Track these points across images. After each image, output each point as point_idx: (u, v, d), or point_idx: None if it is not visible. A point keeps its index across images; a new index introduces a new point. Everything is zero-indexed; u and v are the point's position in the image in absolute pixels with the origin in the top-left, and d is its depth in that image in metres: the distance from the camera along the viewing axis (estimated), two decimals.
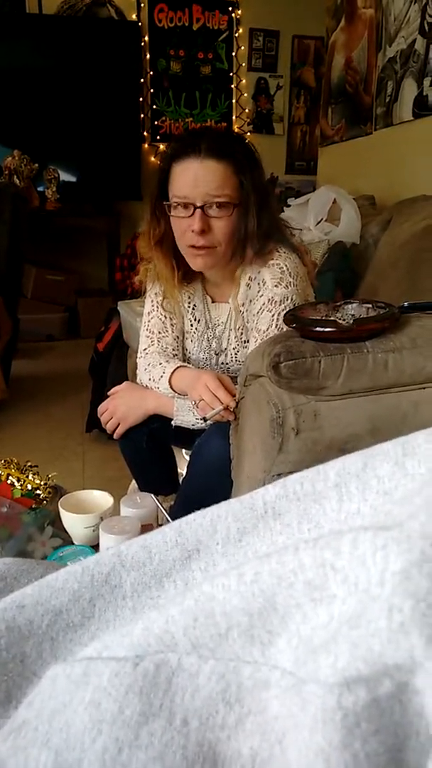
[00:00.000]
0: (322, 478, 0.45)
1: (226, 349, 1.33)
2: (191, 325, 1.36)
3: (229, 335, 1.31)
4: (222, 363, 1.35)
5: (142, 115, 4.18)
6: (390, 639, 0.30)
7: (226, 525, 0.46)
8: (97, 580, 0.45)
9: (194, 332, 1.36)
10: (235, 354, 1.32)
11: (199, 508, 0.53)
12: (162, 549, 0.46)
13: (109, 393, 1.35)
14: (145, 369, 1.31)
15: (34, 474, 1.17)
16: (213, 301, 1.33)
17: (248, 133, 4.40)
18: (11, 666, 0.41)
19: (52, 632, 0.43)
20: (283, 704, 0.32)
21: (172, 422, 1.25)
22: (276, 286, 1.19)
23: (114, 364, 2.34)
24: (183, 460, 1.46)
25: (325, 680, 0.30)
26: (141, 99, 4.15)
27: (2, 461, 1.19)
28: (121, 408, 1.30)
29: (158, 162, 1.21)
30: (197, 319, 1.35)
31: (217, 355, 1.34)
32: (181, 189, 1.13)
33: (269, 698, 0.33)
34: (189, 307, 1.35)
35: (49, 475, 1.18)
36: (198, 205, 1.12)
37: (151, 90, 4.19)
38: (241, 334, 1.30)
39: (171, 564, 0.46)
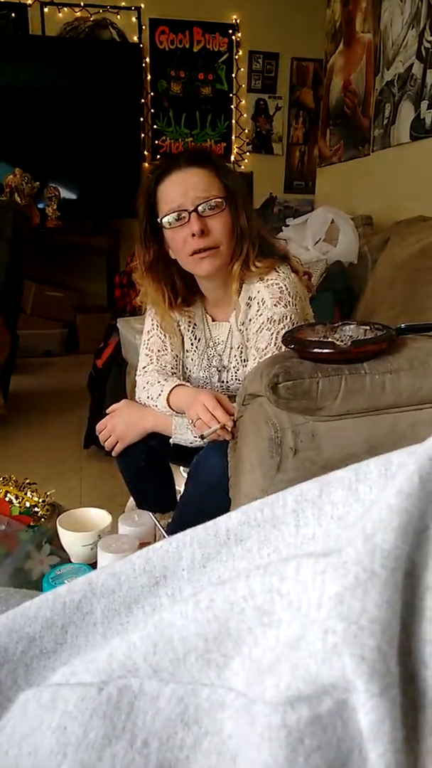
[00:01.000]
0: (281, 504, 0.47)
1: (226, 367, 1.34)
2: (191, 344, 1.37)
3: (230, 354, 1.32)
4: (222, 381, 1.36)
5: (142, 135, 4.24)
6: (324, 660, 0.32)
7: (191, 551, 0.47)
8: (69, 608, 0.46)
9: (195, 351, 1.37)
10: (236, 372, 1.33)
11: (196, 526, 0.53)
12: (130, 576, 0.47)
13: (107, 411, 1.36)
14: (144, 387, 1.32)
15: (32, 491, 1.17)
16: (213, 320, 1.34)
17: (247, 153, 4.46)
18: None
19: (26, 659, 0.44)
20: (236, 724, 0.33)
21: (171, 440, 1.26)
22: (275, 305, 1.20)
23: (113, 380, 2.35)
24: (181, 477, 1.46)
25: (270, 700, 0.32)
26: (142, 119, 4.21)
27: (1, 478, 1.19)
28: (120, 426, 1.31)
29: (143, 191, 1.23)
30: (197, 338, 1.36)
31: (219, 372, 1.35)
32: (171, 201, 1.16)
33: (224, 719, 0.34)
34: (189, 326, 1.36)
35: (47, 493, 1.18)
36: (191, 209, 1.15)
37: (152, 110, 4.26)
38: (241, 353, 1.31)
39: (139, 590, 0.47)
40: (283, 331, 1.16)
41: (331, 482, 0.46)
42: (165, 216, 1.17)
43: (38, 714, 0.36)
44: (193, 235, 1.15)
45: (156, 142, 4.31)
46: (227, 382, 1.35)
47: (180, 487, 1.43)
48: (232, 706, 0.34)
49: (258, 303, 1.23)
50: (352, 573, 0.34)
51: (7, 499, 1.15)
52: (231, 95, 4.35)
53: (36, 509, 1.14)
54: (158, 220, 1.20)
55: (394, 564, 0.35)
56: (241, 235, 1.19)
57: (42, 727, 0.35)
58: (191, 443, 1.23)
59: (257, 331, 1.23)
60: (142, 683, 0.36)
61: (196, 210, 1.15)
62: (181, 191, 1.15)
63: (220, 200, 1.16)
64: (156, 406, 1.27)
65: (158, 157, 4.30)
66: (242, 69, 4.32)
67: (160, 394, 1.26)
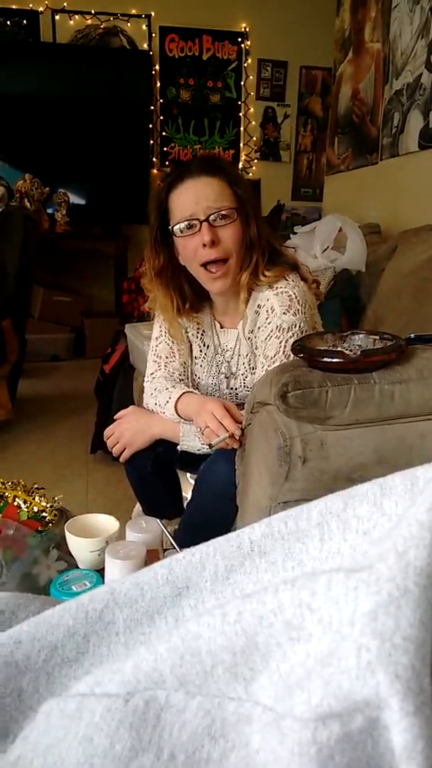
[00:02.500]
0: (305, 517, 0.47)
1: (234, 374, 1.34)
2: (200, 351, 1.37)
3: (238, 361, 1.33)
4: (231, 388, 1.36)
5: (151, 142, 4.27)
6: (358, 676, 0.32)
7: (215, 563, 0.47)
8: (91, 617, 0.46)
9: (203, 358, 1.37)
10: (244, 380, 1.33)
11: (203, 533, 0.53)
12: (153, 586, 0.47)
13: (115, 417, 1.36)
14: (152, 393, 1.32)
15: (40, 496, 1.18)
16: (222, 327, 1.35)
17: (255, 160, 4.47)
18: (8, 701, 0.42)
19: (48, 667, 0.44)
20: (264, 738, 0.33)
21: (178, 447, 1.26)
22: (284, 313, 1.21)
23: (120, 385, 2.35)
24: (188, 484, 1.47)
25: (300, 716, 0.32)
26: (151, 126, 4.24)
27: (9, 483, 1.20)
28: (127, 433, 1.31)
29: (154, 198, 1.25)
30: (206, 344, 1.37)
31: (227, 379, 1.36)
32: (183, 210, 1.17)
33: (252, 733, 0.34)
34: (198, 333, 1.36)
35: (55, 498, 1.19)
36: (202, 219, 1.16)
37: (161, 117, 4.28)
38: (250, 360, 1.31)
39: (162, 601, 0.47)
40: (292, 340, 1.16)
41: (356, 496, 0.46)
42: (176, 224, 1.18)
43: (63, 724, 0.36)
44: (204, 245, 1.16)
45: (165, 149, 4.33)
46: (236, 389, 1.35)
47: (187, 493, 1.43)
48: (259, 721, 0.34)
49: (267, 311, 1.24)
50: (386, 590, 0.34)
51: (15, 503, 1.16)
52: (240, 103, 4.37)
53: (44, 514, 1.14)
54: (169, 227, 1.21)
55: (426, 581, 0.34)
56: (251, 244, 1.20)
57: (68, 738, 0.35)
58: (199, 450, 1.23)
59: (266, 338, 1.23)
60: (168, 695, 0.36)
61: (207, 220, 1.16)
62: (193, 200, 1.16)
63: (231, 210, 1.17)
64: (164, 412, 1.27)
65: (167, 163, 4.32)
66: (251, 77, 4.34)
67: (168, 401, 1.26)
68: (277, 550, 0.46)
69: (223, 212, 1.16)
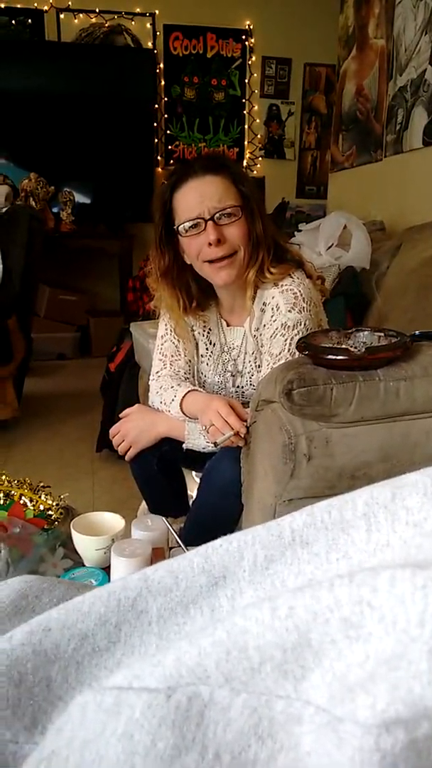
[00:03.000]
0: (350, 507, 0.45)
1: (241, 372, 1.34)
2: (206, 349, 1.37)
3: (244, 359, 1.33)
4: (237, 386, 1.36)
5: (156, 140, 4.27)
6: (431, 681, 0.30)
7: (254, 552, 0.45)
8: (123, 605, 0.44)
9: (209, 356, 1.37)
10: (250, 378, 1.33)
11: (208, 531, 0.53)
12: (189, 575, 0.45)
13: (120, 415, 1.37)
14: (157, 392, 1.32)
15: (46, 494, 1.18)
16: (228, 325, 1.35)
17: (260, 158, 4.47)
18: (37, 690, 0.41)
19: (78, 656, 0.43)
20: (317, 741, 0.32)
21: (183, 445, 1.26)
22: (290, 311, 1.20)
23: (125, 384, 2.36)
24: (193, 482, 1.47)
25: (363, 721, 0.30)
26: (155, 124, 4.24)
27: (16, 481, 1.20)
28: (133, 431, 1.31)
29: (159, 197, 1.25)
30: (212, 342, 1.37)
31: (233, 377, 1.36)
32: (188, 210, 1.17)
33: (302, 734, 0.33)
34: (204, 331, 1.36)
35: (61, 496, 1.19)
36: (207, 218, 1.16)
37: (165, 115, 4.28)
38: (256, 358, 1.31)
39: (198, 590, 0.45)
40: (297, 337, 1.16)
41: (404, 486, 0.44)
42: (181, 224, 1.18)
43: (100, 719, 0.34)
44: (210, 244, 1.16)
45: (169, 147, 4.33)
46: (242, 387, 1.35)
47: (192, 492, 1.44)
48: (311, 721, 0.33)
49: (272, 308, 1.24)
50: None
51: (21, 502, 1.16)
52: (244, 101, 4.37)
53: (50, 512, 1.15)
54: (174, 227, 1.21)
55: None
56: (257, 241, 1.20)
57: (106, 734, 0.33)
58: (204, 448, 1.23)
59: (271, 336, 1.23)
60: (212, 691, 0.35)
61: (212, 219, 1.16)
62: (197, 200, 1.16)
63: (236, 208, 1.16)
64: (169, 411, 1.27)
65: (171, 162, 4.32)
66: (255, 74, 4.34)
67: (173, 400, 1.26)
68: (321, 540, 0.44)
69: (228, 210, 1.16)
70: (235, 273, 1.21)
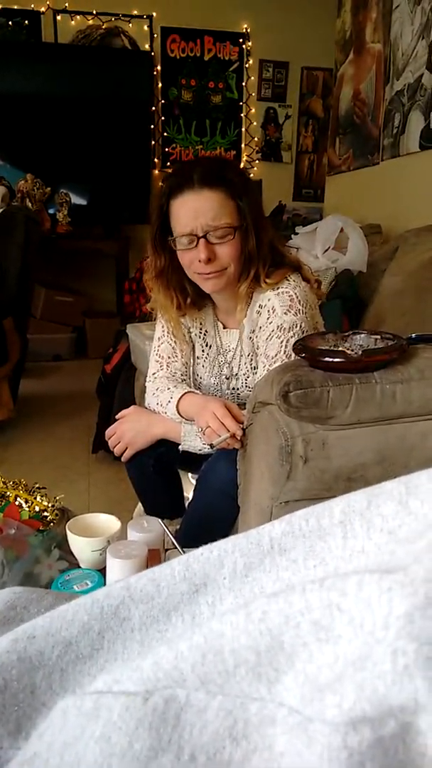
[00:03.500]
0: (327, 515, 0.46)
1: (236, 374, 1.35)
2: (202, 351, 1.37)
3: (240, 361, 1.33)
4: (233, 388, 1.36)
5: (153, 142, 4.27)
6: (394, 681, 0.31)
7: (233, 560, 0.46)
8: (106, 613, 0.45)
9: (205, 358, 1.37)
10: (246, 380, 1.33)
11: (204, 533, 0.53)
12: (170, 582, 0.46)
13: (116, 417, 1.37)
14: (153, 393, 1.32)
15: (41, 496, 1.18)
16: (224, 327, 1.35)
17: (257, 161, 4.48)
18: (22, 696, 0.42)
19: (62, 663, 0.43)
20: (290, 741, 0.32)
21: (180, 447, 1.26)
22: (285, 313, 1.21)
23: (121, 385, 2.36)
24: (189, 484, 1.47)
25: (331, 719, 0.31)
26: (152, 126, 4.24)
27: (11, 482, 1.20)
28: (129, 432, 1.31)
29: (156, 201, 1.24)
30: (208, 344, 1.37)
31: (228, 379, 1.36)
32: (182, 223, 1.16)
33: (275, 735, 0.33)
34: (200, 333, 1.37)
35: (57, 497, 1.19)
36: (200, 235, 1.15)
37: (162, 118, 4.28)
38: (251, 360, 1.31)
39: (179, 598, 0.46)
40: (293, 339, 1.16)
41: (380, 494, 0.45)
42: (175, 236, 1.19)
43: (80, 722, 0.35)
44: (200, 260, 1.16)
45: (166, 149, 4.33)
46: (237, 389, 1.36)
47: (188, 493, 1.44)
48: (284, 722, 0.33)
49: (268, 311, 1.24)
50: (422, 592, 0.33)
51: (17, 503, 1.16)
52: (241, 103, 4.38)
53: (45, 514, 1.15)
54: (169, 238, 1.21)
55: None
56: (250, 258, 1.19)
57: (84, 737, 0.34)
58: (200, 450, 1.23)
59: (267, 338, 1.24)
60: (189, 694, 0.35)
61: (204, 236, 1.15)
62: (192, 215, 1.15)
63: (229, 229, 1.16)
64: (165, 412, 1.27)
65: (168, 164, 4.32)
66: (252, 77, 4.35)
67: (169, 401, 1.26)
68: (298, 548, 0.45)
69: (220, 231, 1.15)
70: (223, 284, 1.21)
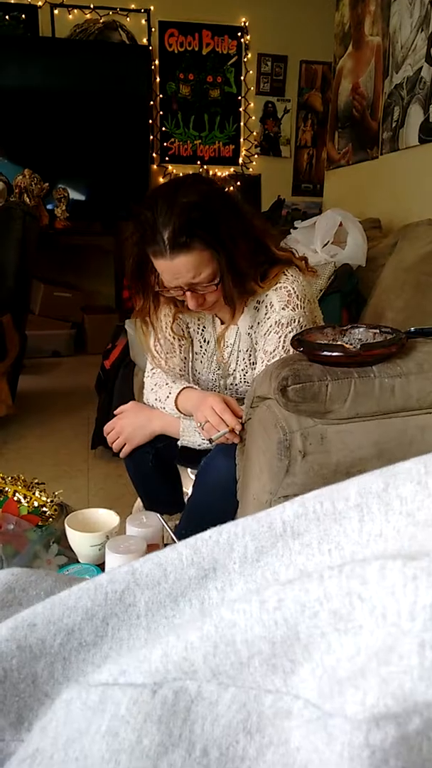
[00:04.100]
0: (342, 497, 0.44)
1: (234, 370, 1.34)
2: (200, 347, 1.37)
3: (237, 357, 1.33)
4: (230, 384, 1.36)
5: (151, 137, 4.25)
6: (422, 676, 0.30)
7: (244, 543, 0.45)
8: (110, 599, 0.44)
9: (203, 353, 1.37)
10: (243, 375, 1.33)
11: (203, 528, 0.52)
12: (177, 567, 0.45)
13: (115, 412, 1.36)
14: (152, 389, 1.32)
15: (40, 491, 1.18)
16: (222, 323, 1.34)
17: (255, 156, 4.46)
18: (23, 687, 0.40)
19: (64, 652, 0.42)
20: (306, 736, 0.31)
21: (178, 442, 1.26)
22: (283, 308, 1.20)
23: (120, 381, 2.35)
24: (188, 479, 1.47)
25: (353, 716, 0.30)
26: (150, 121, 4.22)
27: (10, 478, 1.20)
28: (128, 428, 1.31)
29: (128, 247, 1.21)
30: (206, 340, 1.36)
31: (225, 375, 1.36)
32: (165, 280, 1.16)
33: (291, 729, 0.32)
34: (199, 328, 1.36)
35: (56, 493, 1.19)
36: (185, 289, 1.15)
37: (161, 112, 4.27)
38: (250, 356, 1.31)
39: (186, 583, 0.44)
40: (291, 334, 1.16)
41: (398, 474, 0.43)
42: (160, 284, 1.19)
43: (85, 716, 0.34)
44: (189, 307, 1.18)
45: (164, 144, 4.32)
46: (236, 384, 1.35)
47: (187, 489, 1.43)
48: (300, 716, 0.32)
49: (266, 306, 1.24)
50: None
51: (15, 498, 1.16)
52: (239, 98, 4.36)
53: (44, 509, 1.14)
54: (154, 284, 1.22)
55: None
56: (240, 281, 1.17)
57: (90, 731, 0.33)
58: (199, 445, 1.23)
59: (265, 334, 1.23)
60: (200, 686, 0.34)
61: (190, 289, 1.16)
62: (172, 278, 1.14)
63: (211, 280, 1.14)
64: (164, 408, 1.27)
65: (167, 159, 4.31)
66: (251, 72, 4.33)
67: (168, 396, 1.26)
68: (312, 531, 0.44)
69: (204, 284, 1.15)
70: (216, 309, 1.24)
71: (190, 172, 4.19)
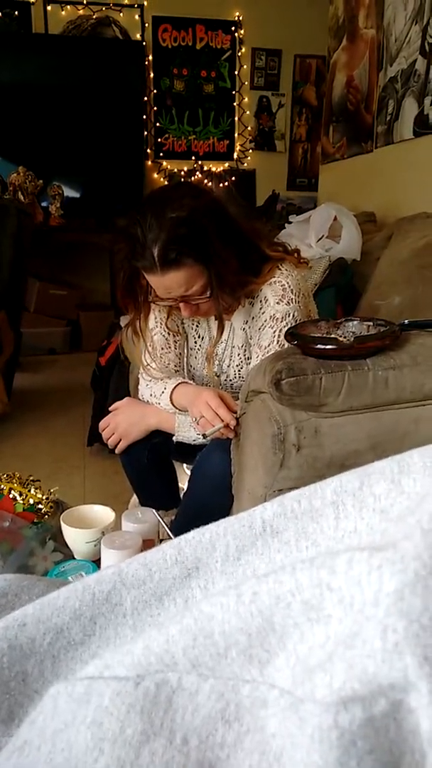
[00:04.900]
0: (319, 496, 0.45)
1: (229, 365, 1.34)
2: (195, 342, 1.37)
3: (231, 352, 1.32)
4: (225, 380, 1.36)
5: (145, 133, 4.24)
6: (384, 659, 0.31)
7: (225, 543, 0.46)
8: (98, 599, 0.45)
9: (198, 349, 1.37)
10: (238, 370, 1.33)
11: (200, 523, 0.53)
12: (162, 567, 0.46)
13: (110, 408, 1.36)
14: (147, 384, 1.32)
15: (36, 488, 1.18)
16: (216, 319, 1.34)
17: (250, 150, 4.45)
18: (13, 684, 0.42)
19: (53, 650, 0.43)
20: (281, 723, 0.32)
21: (174, 438, 1.26)
22: (278, 303, 1.20)
23: (116, 378, 2.35)
24: (184, 474, 1.47)
25: (321, 699, 0.31)
26: (144, 117, 4.21)
27: (5, 475, 1.20)
28: (123, 424, 1.31)
29: (117, 262, 1.22)
30: (201, 336, 1.36)
31: (220, 372, 1.35)
32: (158, 292, 1.17)
33: (267, 716, 0.33)
34: (193, 324, 1.36)
35: (51, 490, 1.19)
36: (178, 300, 1.16)
37: (155, 108, 4.25)
38: (245, 351, 1.31)
39: (171, 582, 0.46)
40: (286, 329, 1.16)
41: (372, 474, 0.45)
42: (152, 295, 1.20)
43: (71, 708, 0.35)
44: (183, 317, 1.20)
45: (159, 139, 4.30)
46: (230, 379, 1.35)
47: (183, 484, 1.43)
48: (276, 704, 0.33)
49: (261, 301, 1.23)
50: (411, 569, 0.33)
51: (11, 495, 1.16)
52: (234, 92, 4.35)
53: (40, 506, 1.14)
54: (146, 294, 1.23)
55: None
56: (232, 290, 1.18)
57: (76, 722, 0.34)
58: (194, 441, 1.23)
59: (260, 328, 1.23)
60: (180, 678, 0.35)
61: (183, 300, 1.16)
62: (164, 292, 1.15)
63: (202, 293, 1.15)
64: (159, 403, 1.27)
65: (161, 155, 4.29)
66: (245, 66, 4.32)
67: (163, 392, 1.26)
68: (290, 529, 0.45)
69: (196, 296, 1.15)
70: (212, 314, 1.23)
71: (181, 179, 4.17)
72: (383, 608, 0.32)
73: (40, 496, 1.16)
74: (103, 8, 4.03)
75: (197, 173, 4.35)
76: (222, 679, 0.36)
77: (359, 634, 0.32)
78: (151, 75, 4.20)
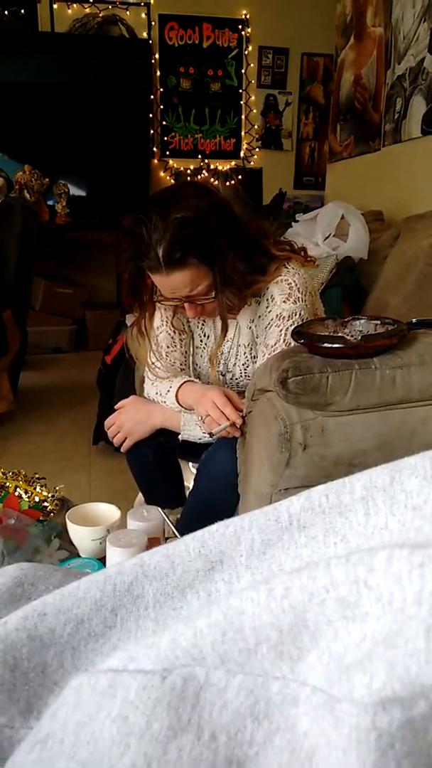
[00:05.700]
0: (348, 491, 0.44)
1: (235, 364, 1.33)
2: (201, 341, 1.36)
3: (237, 351, 1.32)
4: (231, 378, 1.35)
5: (152, 131, 4.24)
6: (428, 660, 0.30)
7: (251, 537, 0.45)
8: (119, 590, 0.44)
9: (204, 348, 1.37)
10: (244, 369, 1.32)
11: (205, 522, 0.52)
12: (185, 559, 0.45)
13: (115, 407, 1.36)
14: (152, 383, 1.31)
15: (41, 486, 1.18)
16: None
17: (257, 149, 4.44)
18: (32, 675, 0.41)
19: (73, 641, 0.43)
20: (314, 721, 0.32)
21: (179, 436, 1.25)
22: (284, 301, 1.20)
23: (121, 376, 2.35)
24: (190, 473, 1.46)
25: (360, 699, 0.30)
26: (151, 115, 4.21)
27: (10, 473, 1.20)
28: (128, 422, 1.31)
29: (122, 263, 1.22)
30: (206, 334, 1.36)
31: (226, 370, 1.35)
32: (163, 292, 1.17)
33: (298, 715, 0.33)
34: (199, 322, 1.36)
35: (57, 488, 1.19)
36: (183, 300, 1.16)
37: (161, 106, 4.25)
38: (251, 349, 1.30)
39: (194, 575, 0.45)
40: (293, 327, 1.15)
41: (403, 469, 0.44)
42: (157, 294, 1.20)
43: (95, 701, 0.34)
44: (188, 317, 1.20)
45: (165, 138, 4.30)
46: (236, 378, 1.35)
47: (189, 482, 1.43)
48: (307, 702, 0.33)
49: (267, 299, 1.23)
50: None
51: (16, 493, 1.16)
52: (240, 91, 4.34)
53: (45, 504, 1.14)
54: (151, 292, 1.23)
55: None
56: (237, 290, 1.17)
57: (100, 716, 0.33)
58: (200, 439, 1.22)
59: (266, 327, 1.23)
60: (208, 673, 0.35)
61: (188, 300, 1.16)
62: (169, 292, 1.15)
63: (207, 293, 1.15)
64: (164, 402, 1.27)
65: (167, 153, 4.29)
66: (252, 65, 4.30)
67: (168, 390, 1.26)
68: (318, 524, 0.44)
69: (201, 297, 1.15)
70: (218, 314, 1.22)
71: (188, 179, 4.16)
72: (426, 608, 0.31)
73: (45, 493, 1.16)
74: (110, 6, 4.03)
75: (203, 172, 4.34)
76: (251, 675, 0.35)
77: (400, 634, 0.32)
78: (158, 73, 4.19)
